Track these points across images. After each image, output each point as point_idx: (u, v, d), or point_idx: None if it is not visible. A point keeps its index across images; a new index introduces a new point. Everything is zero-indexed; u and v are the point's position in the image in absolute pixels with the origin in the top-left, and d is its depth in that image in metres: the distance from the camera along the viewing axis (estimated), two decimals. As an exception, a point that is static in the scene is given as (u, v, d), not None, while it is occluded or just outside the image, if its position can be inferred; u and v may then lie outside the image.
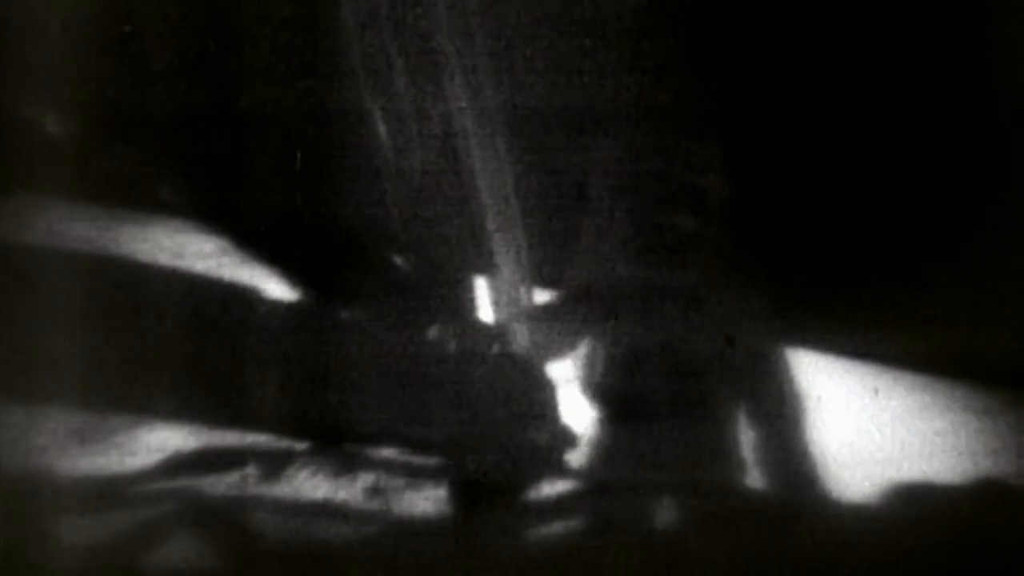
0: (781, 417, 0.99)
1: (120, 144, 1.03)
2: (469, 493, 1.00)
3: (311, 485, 1.00)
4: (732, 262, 1.00)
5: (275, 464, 1.00)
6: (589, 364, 1.01)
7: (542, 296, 1.02)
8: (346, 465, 1.00)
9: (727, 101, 0.98)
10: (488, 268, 1.01)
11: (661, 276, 1.00)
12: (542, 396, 1.01)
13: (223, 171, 1.03)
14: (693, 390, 1.00)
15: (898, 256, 0.98)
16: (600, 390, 1.01)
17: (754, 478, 0.99)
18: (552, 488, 1.00)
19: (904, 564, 0.96)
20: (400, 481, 1.00)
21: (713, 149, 0.99)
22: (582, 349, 1.01)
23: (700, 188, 0.99)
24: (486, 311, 1.02)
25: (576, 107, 0.99)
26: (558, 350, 1.01)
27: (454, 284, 1.02)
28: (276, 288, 1.03)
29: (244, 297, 1.03)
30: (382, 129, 1.00)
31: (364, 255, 1.03)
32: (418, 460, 1.00)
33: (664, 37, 0.99)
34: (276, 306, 1.03)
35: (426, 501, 1.00)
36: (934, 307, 0.98)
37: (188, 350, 1.01)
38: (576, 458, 1.01)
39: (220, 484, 1.00)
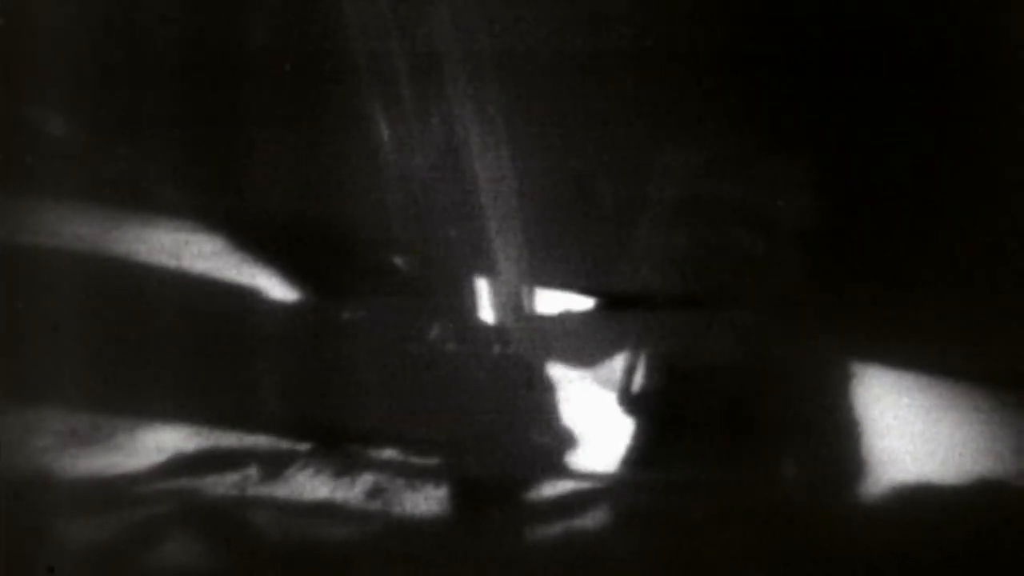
0: (784, 419, 0.99)
1: (120, 144, 1.03)
2: (469, 493, 1.00)
3: (312, 486, 1.00)
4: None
5: (276, 465, 1.00)
6: (621, 374, 1.01)
7: (577, 304, 1.02)
8: (346, 466, 1.00)
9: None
10: (489, 270, 1.01)
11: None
12: (542, 396, 1.01)
13: (223, 171, 1.03)
14: (704, 390, 1.00)
15: (897, 256, 0.98)
16: (630, 400, 1.01)
17: (752, 479, 0.99)
18: (553, 489, 1.00)
19: (904, 564, 0.96)
20: (400, 482, 1.00)
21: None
22: (616, 360, 1.01)
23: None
24: (486, 312, 1.02)
25: (578, 107, 0.99)
26: (590, 359, 1.01)
27: (454, 285, 1.02)
28: (276, 288, 1.03)
29: (244, 297, 1.03)
30: (383, 129, 1.00)
31: (364, 255, 1.03)
32: (418, 461, 1.01)
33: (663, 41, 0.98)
34: (276, 306, 1.03)
35: (426, 502, 1.00)
36: (934, 308, 0.98)
37: (188, 350, 1.01)
38: (577, 459, 1.01)
39: (221, 485, 1.00)
